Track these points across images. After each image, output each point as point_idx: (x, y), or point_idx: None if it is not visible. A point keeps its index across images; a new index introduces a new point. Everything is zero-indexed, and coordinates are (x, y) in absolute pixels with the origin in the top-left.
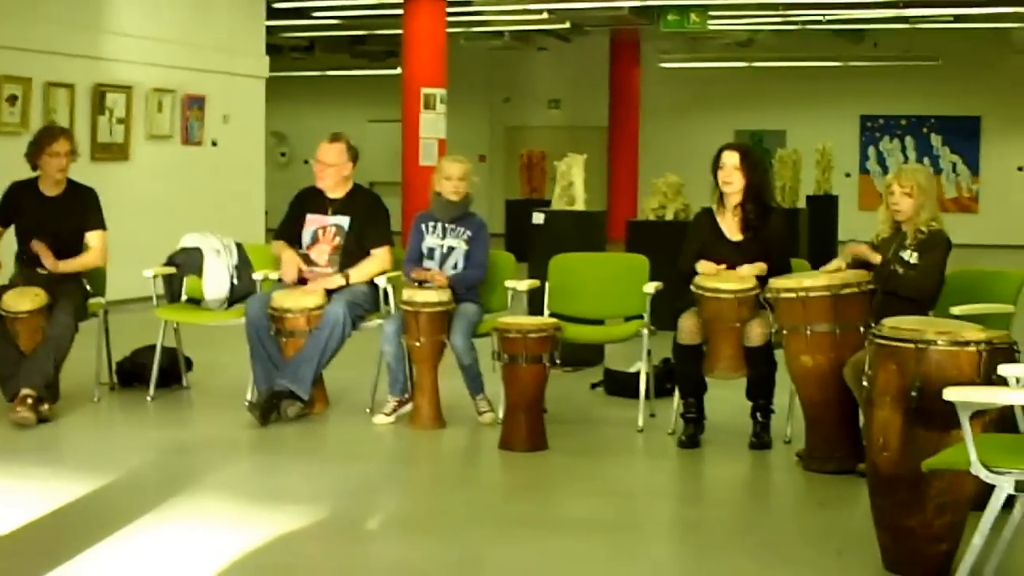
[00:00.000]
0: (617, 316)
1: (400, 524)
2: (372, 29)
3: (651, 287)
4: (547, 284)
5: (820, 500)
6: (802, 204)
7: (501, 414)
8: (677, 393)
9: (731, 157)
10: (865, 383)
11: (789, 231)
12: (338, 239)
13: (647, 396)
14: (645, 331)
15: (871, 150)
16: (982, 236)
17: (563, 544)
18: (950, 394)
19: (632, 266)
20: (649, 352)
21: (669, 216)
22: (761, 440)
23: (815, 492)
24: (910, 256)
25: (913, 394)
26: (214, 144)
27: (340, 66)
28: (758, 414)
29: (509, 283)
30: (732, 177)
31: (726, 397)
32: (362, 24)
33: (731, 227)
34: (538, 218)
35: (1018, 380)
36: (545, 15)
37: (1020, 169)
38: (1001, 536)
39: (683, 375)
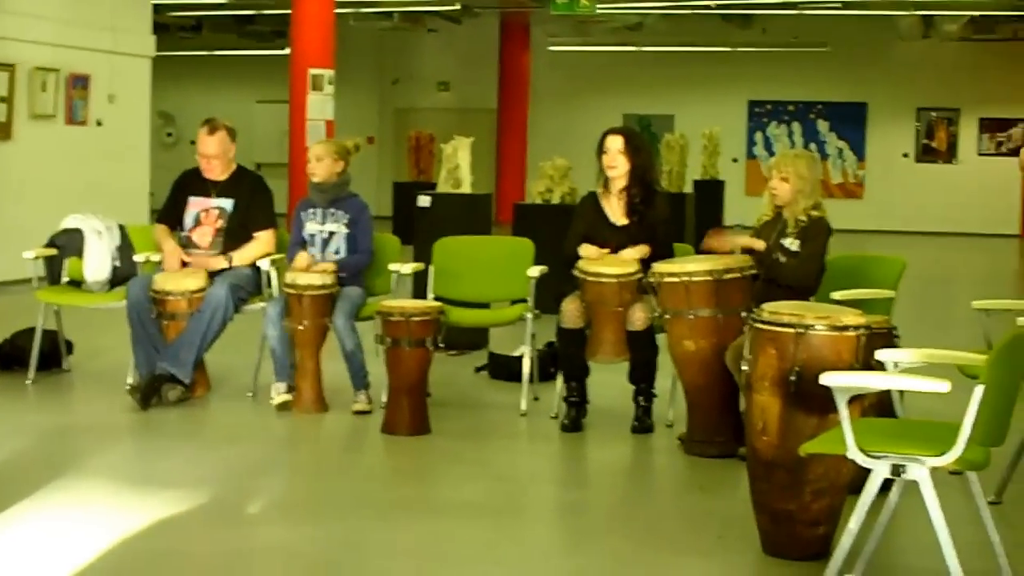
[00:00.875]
0: (503, 300)
1: (282, 508)
2: (260, 9)
3: (535, 271)
4: (431, 267)
5: (701, 484)
6: (689, 189)
7: (384, 398)
8: (560, 377)
9: (615, 141)
10: (745, 368)
11: (673, 216)
12: (221, 222)
13: (531, 380)
14: (529, 315)
15: (758, 135)
16: (867, 222)
17: (445, 528)
18: (827, 379)
19: (517, 250)
20: (533, 336)
21: (556, 199)
22: (643, 424)
23: (696, 476)
24: (791, 243)
25: (792, 379)
26: (99, 124)
27: (228, 46)
28: (640, 398)
29: (393, 266)
30: (616, 161)
31: (609, 381)
32: (250, 3)
33: (616, 211)
34: (424, 201)
35: (896, 365)
36: None
37: (905, 155)
38: (878, 520)
39: (566, 359)
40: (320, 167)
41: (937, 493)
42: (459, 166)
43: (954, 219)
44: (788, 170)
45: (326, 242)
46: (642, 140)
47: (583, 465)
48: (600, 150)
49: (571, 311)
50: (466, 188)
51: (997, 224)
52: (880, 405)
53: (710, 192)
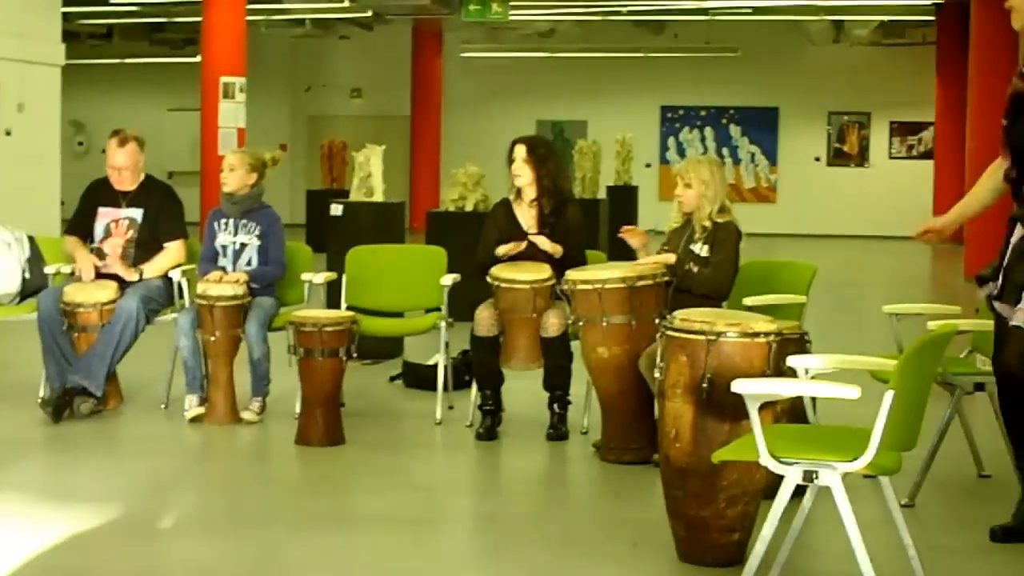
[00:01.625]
0: (417, 308)
1: (195, 522)
2: (171, 16)
3: (448, 279)
4: (344, 276)
5: (616, 491)
6: (602, 195)
7: (298, 409)
8: (475, 385)
9: (519, 150)
10: (658, 375)
11: (588, 222)
12: (131, 232)
13: (445, 388)
14: (443, 323)
15: (671, 140)
16: (780, 225)
17: (360, 539)
18: (738, 386)
19: (430, 258)
20: (447, 344)
21: (469, 207)
22: (558, 431)
23: (611, 483)
24: (700, 249)
25: (704, 386)
26: (8, 134)
27: (139, 54)
28: (555, 405)
29: (306, 276)
30: (521, 170)
31: (524, 388)
32: (161, 11)
33: (528, 219)
34: (336, 209)
35: (806, 371)
36: (347, 3)
37: (817, 159)
38: (792, 525)
39: (480, 367)
40: (232, 177)
41: (851, 497)
42: (371, 174)
43: (866, 222)
44: (691, 176)
45: (238, 254)
46: (548, 148)
47: (498, 474)
48: (509, 158)
49: (485, 319)
50: (379, 196)
51: (909, 227)
52: (793, 411)
53: (624, 198)
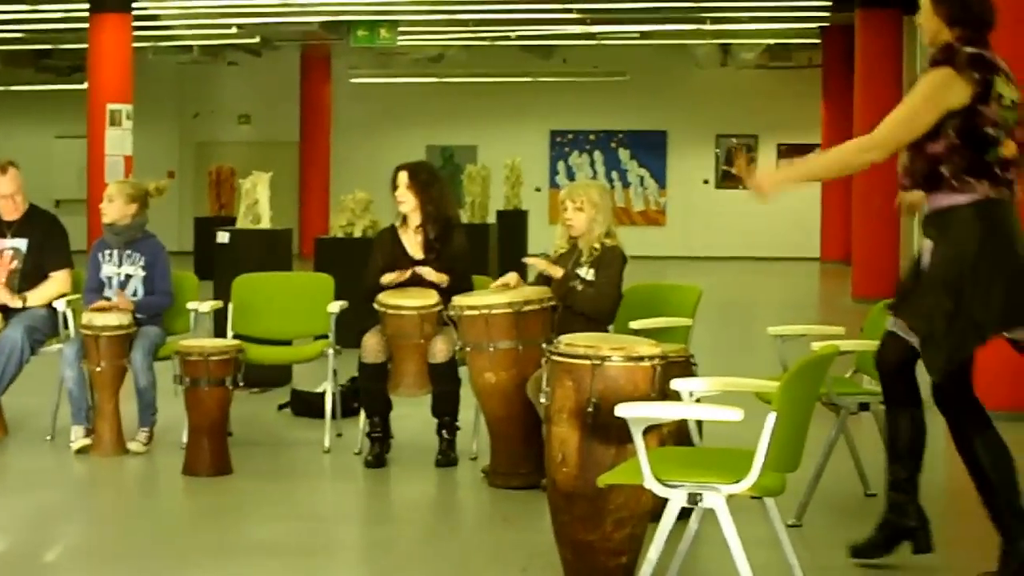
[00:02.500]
0: (305, 336)
1: (81, 555)
2: (57, 43)
3: (335, 306)
4: (231, 305)
5: (505, 516)
6: (492, 219)
7: (184, 439)
8: (363, 412)
9: (402, 177)
10: (543, 399)
11: (477, 246)
12: (15, 263)
13: (333, 416)
14: (330, 351)
15: (561, 164)
16: (670, 248)
17: (248, 570)
18: (621, 410)
19: (317, 285)
20: (335, 371)
21: (357, 233)
22: (447, 457)
23: (500, 508)
24: (586, 272)
25: (590, 410)
26: None
27: (25, 80)
28: (443, 431)
29: (191, 305)
30: (405, 196)
31: (412, 415)
32: (47, 38)
33: (414, 245)
34: (223, 237)
35: (690, 394)
36: (235, 29)
37: (705, 182)
38: (679, 547)
39: (368, 394)
40: (111, 208)
41: (739, 517)
42: (258, 201)
43: (755, 244)
44: (582, 199)
45: (123, 285)
46: (430, 174)
47: (388, 501)
48: (393, 185)
49: (372, 345)
50: (265, 224)
51: (798, 248)
52: (680, 433)
53: (513, 222)
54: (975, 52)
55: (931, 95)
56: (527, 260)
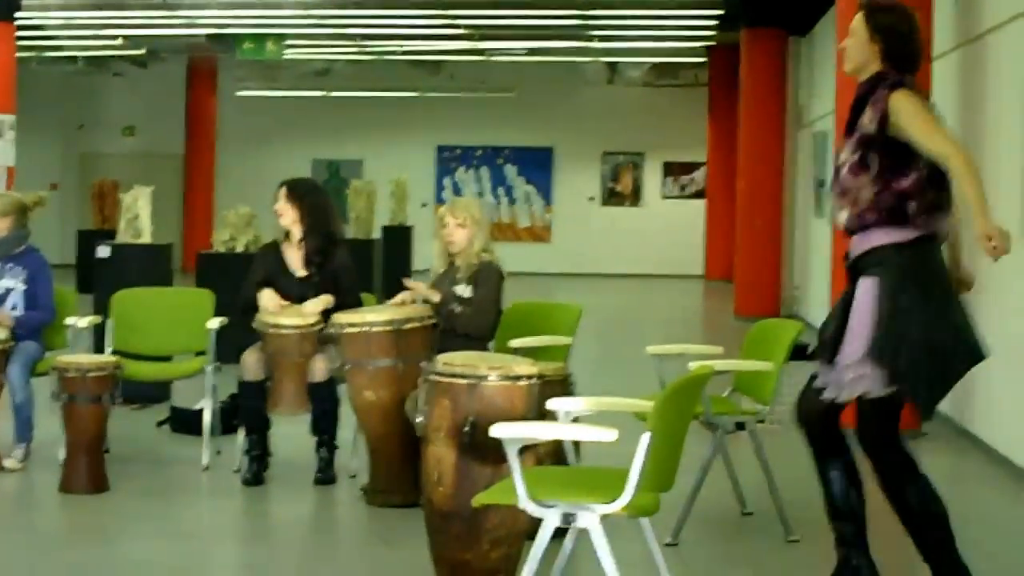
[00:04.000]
0: (186, 352)
1: None
2: None
3: (214, 322)
4: (110, 320)
5: (383, 535)
6: (377, 235)
7: (62, 455)
8: (242, 430)
9: (281, 191)
10: (420, 419)
11: (362, 262)
12: None
13: (212, 433)
14: (209, 367)
15: (447, 180)
16: (556, 265)
17: None
18: (496, 430)
19: (196, 301)
20: (215, 388)
21: (240, 248)
22: (326, 475)
23: (379, 527)
24: (464, 290)
25: (466, 429)
26: None
27: None
28: (323, 449)
29: (70, 320)
30: (284, 210)
31: (292, 432)
32: None
33: (296, 260)
34: (103, 251)
35: (567, 414)
36: (120, 41)
37: (592, 199)
38: (554, 566)
39: (247, 411)
40: None
41: (618, 536)
42: (139, 215)
43: (641, 261)
44: (463, 215)
45: (2, 299)
46: (310, 188)
47: (266, 519)
48: (274, 200)
49: (251, 363)
50: (146, 238)
51: (682, 265)
52: (558, 453)
53: (398, 237)
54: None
55: (920, 108)
56: (407, 284)
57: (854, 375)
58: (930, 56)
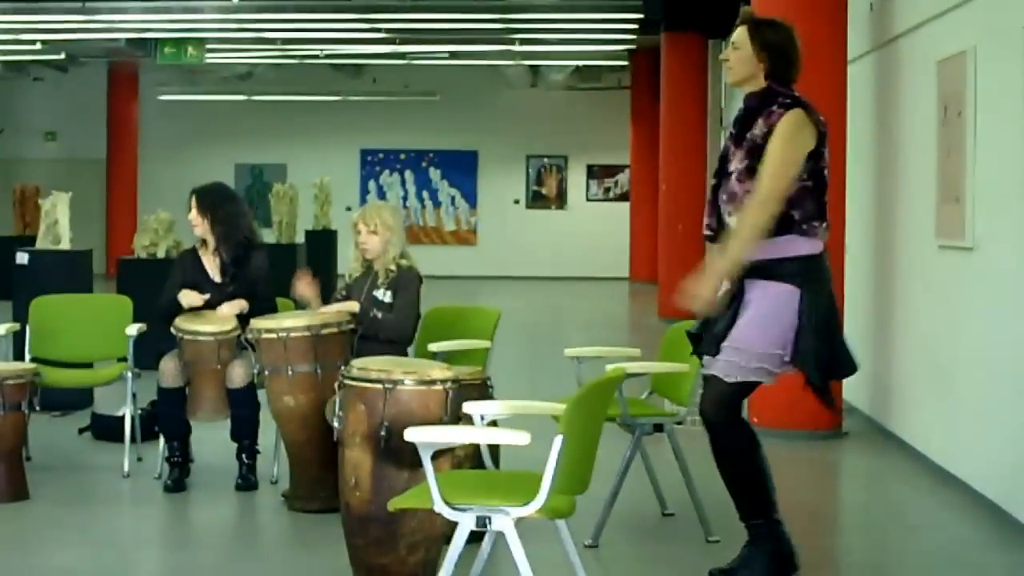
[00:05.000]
0: (106, 358)
1: None
2: None
3: (133, 329)
4: (29, 327)
5: (304, 540)
6: (300, 239)
7: None
8: (162, 436)
9: (192, 200)
10: (337, 424)
11: (285, 266)
12: None
13: (133, 440)
14: (129, 374)
15: (371, 184)
16: (481, 268)
17: None
18: (410, 434)
19: (115, 307)
20: (135, 395)
21: (161, 254)
22: (247, 481)
23: (299, 532)
24: (384, 295)
25: (382, 434)
26: None
27: None
28: (243, 455)
29: None
30: (196, 220)
31: (213, 438)
32: None
33: (214, 267)
34: (21, 258)
35: (482, 417)
36: (39, 45)
37: (516, 202)
38: (472, 570)
39: (167, 418)
40: None
41: (538, 539)
42: (58, 221)
43: (566, 264)
44: (375, 221)
45: None
46: (220, 195)
47: (187, 526)
48: (188, 209)
49: (170, 370)
50: (65, 244)
51: (608, 268)
52: (477, 457)
53: (322, 241)
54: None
55: (795, 136)
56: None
57: (733, 360)
58: (846, 59)
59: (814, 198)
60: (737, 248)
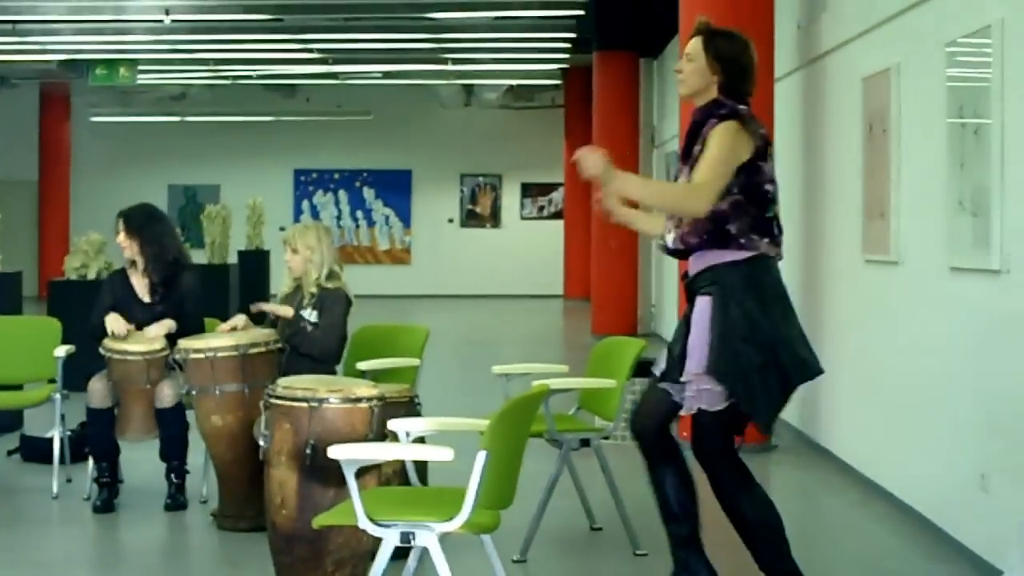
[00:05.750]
0: (36, 380)
1: None
2: None
3: (61, 350)
4: None
5: (232, 559)
6: (233, 259)
7: None
8: (91, 457)
9: (119, 223)
10: (262, 443)
11: (218, 286)
12: None
13: (62, 461)
14: (57, 395)
15: (305, 204)
16: (416, 287)
17: None
18: (334, 452)
19: (43, 329)
20: (63, 416)
21: (92, 275)
22: (177, 501)
23: (228, 551)
24: (310, 315)
25: (308, 452)
26: None
27: None
28: (173, 475)
29: None
30: (125, 242)
31: (142, 459)
32: None
33: (143, 288)
34: None
35: (408, 434)
36: None
37: (451, 221)
38: None
39: (96, 438)
40: None
41: (463, 554)
42: None
43: (501, 282)
44: (297, 243)
45: None
46: (147, 218)
47: (117, 546)
48: (115, 231)
49: (98, 390)
50: None
51: (542, 286)
52: (405, 474)
53: (255, 262)
54: (749, 110)
55: (729, 145)
56: (254, 308)
57: (694, 390)
58: (773, 76)
59: (750, 213)
60: (636, 183)
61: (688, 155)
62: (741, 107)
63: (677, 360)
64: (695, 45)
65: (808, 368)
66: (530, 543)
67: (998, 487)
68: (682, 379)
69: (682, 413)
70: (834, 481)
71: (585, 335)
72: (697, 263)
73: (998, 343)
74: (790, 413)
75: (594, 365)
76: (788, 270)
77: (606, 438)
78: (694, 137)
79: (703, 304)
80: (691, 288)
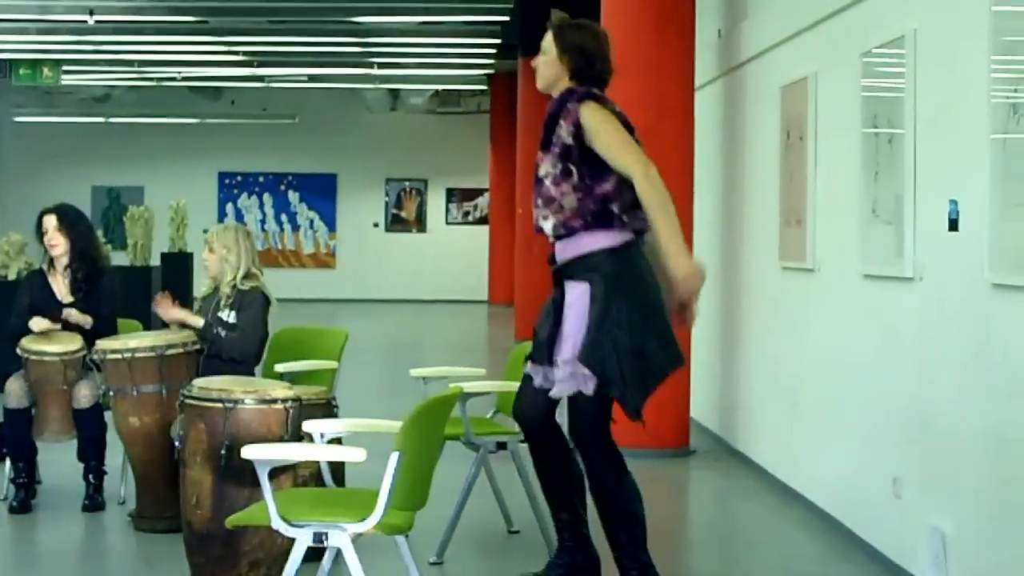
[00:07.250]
0: None
1: None
2: None
3: None
4: None
5: (150, 560)
6: (156, 261)
7: None
8: (8, 458)
9: (50, 220)
10: (178, 443)
11: (140, 288)
12: None
13: None
14: None
15: (230, 206)
16: (341, 291)
17: None
18: (247, 452)
19: None
20: None
21: (12, 276)
22: (94, 502)
23: (145, 552)
24: (227, 315)
25: (223, 452)
26: None
27: None
28: (90, 476)
29: None
30: (56, 239)
31: (60, 459)
32: None
33: (62, 288)
34: None
35: (322, 436)
36: None
37: (376, 225)
38: None
39: (12, 439)
40: None
41: (378, 556)
42: None
43: (426, 287)
44: (214, 242)
45: None
46: (78, 216)
47: (34, 547)
48: (39, 230)
49: (15, 390)
50: None
51: (467, 291)
52: (321, 475)
53: (178, 264)
54: (603, 94)
55: (605, 119)
56: (164, 316)
57: (568, 374)
58: (694, 85)
59: (630, 187)
60: (667, 225)
61: (548, 144)
62: (594, 90)
63: (545, 343)
64: (547, 39)
65: (675, 359)
66: (447, 545)
67: (910, 492)
68: (555, 362)
69: (552, 395)
70: (751, 486)
71: (508, 340)
72: (568, 248)
73: (911, 350)
74: (708, 418)
75: (512, 368)
76: (707, 276)
77: (523, 441)
78: (552, 125)
79: (579, 291)
80: (562, 273)
